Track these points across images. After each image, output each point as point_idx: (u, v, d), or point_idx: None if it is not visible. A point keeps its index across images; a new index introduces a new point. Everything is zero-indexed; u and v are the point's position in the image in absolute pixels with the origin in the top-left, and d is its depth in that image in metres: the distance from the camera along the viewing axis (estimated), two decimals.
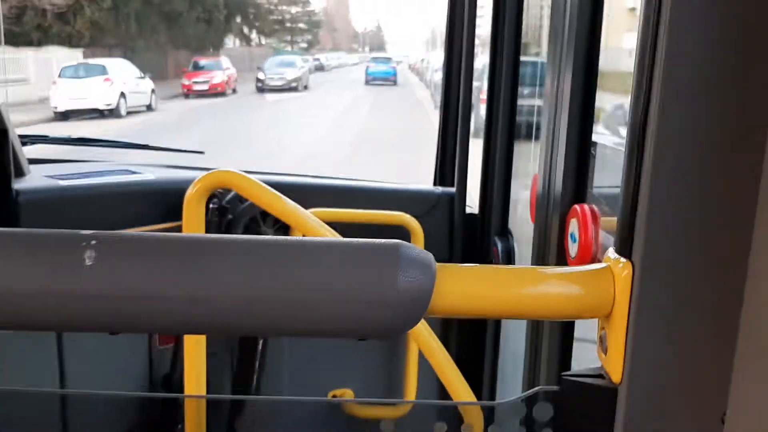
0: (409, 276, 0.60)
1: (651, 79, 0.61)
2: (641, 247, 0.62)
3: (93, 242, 0.59)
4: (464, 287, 0.65)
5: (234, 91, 28.34)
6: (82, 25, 27.73)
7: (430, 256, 0.63)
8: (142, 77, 21.41)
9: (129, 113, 19.78)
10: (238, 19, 47.34)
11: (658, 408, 0.66)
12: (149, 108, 21.33)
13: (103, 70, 20.07)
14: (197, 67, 28.26)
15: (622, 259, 0.64)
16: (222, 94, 26.93)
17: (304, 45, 70.92)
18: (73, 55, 24.27)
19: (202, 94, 26.11)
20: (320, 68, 47.86)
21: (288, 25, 66.01)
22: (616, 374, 0.66)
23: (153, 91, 21.79)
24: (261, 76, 30.70)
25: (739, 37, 0.60)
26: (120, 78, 19.99)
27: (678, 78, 0.60)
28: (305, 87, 31.92)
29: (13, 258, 0.59)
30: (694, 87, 0.61)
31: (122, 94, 19.75)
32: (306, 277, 0.59)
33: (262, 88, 29.87)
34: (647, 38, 0.61)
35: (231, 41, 48.37)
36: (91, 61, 22.47)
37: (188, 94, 26.28)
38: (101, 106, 19.20)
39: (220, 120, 19.29)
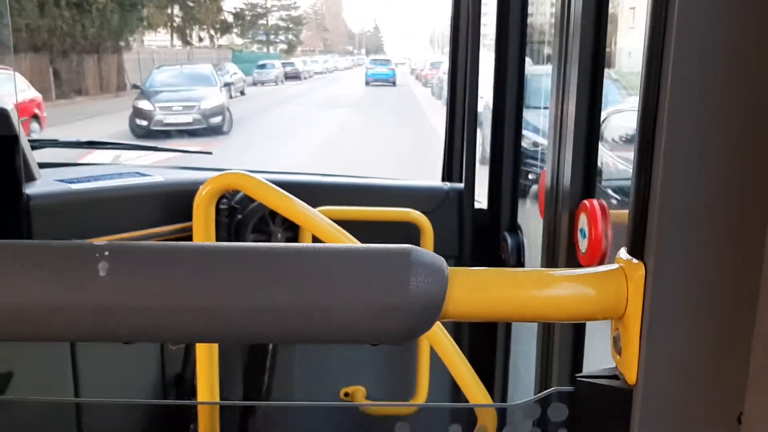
0: (421, 281, 0.60)
1: (660, 76, 0.61)
2: (653, 248, 0.62)
3: (106, 253, 0.59)
4: (476, 291, 0.65)
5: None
6: None
7: (441, 260, 0.63)
8: None
9: None
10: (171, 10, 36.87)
11: (673, 408, 0.66)
12: None
13: None
14: None
15: (635, 260, 0.64)
16: None
17: (285, 46, 60.58)
18: None
19: None
20: (293, 76, 39.31)
21: (250, 19, 53.60)
22: (630, 375, 0.66)
23: None
24: (140, 104, 15.86)
25: (750, 32, 0.59)
26: None
27: (688, 74, 0.60)
28: (219, 127, 15.92)
29: (26, 270, 0.59)
30: (705, 83, 0.60)
31: None
32: (317, 284, 0.59)
33: (144, 128, 15.29)
34: (656, 33, 0.61)
35: (169, 39, 39.36)
36: None
37: None
38: None
39: None
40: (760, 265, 0.62)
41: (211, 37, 44.93)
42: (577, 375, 0.70)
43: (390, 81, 36.98)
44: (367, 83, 37.23)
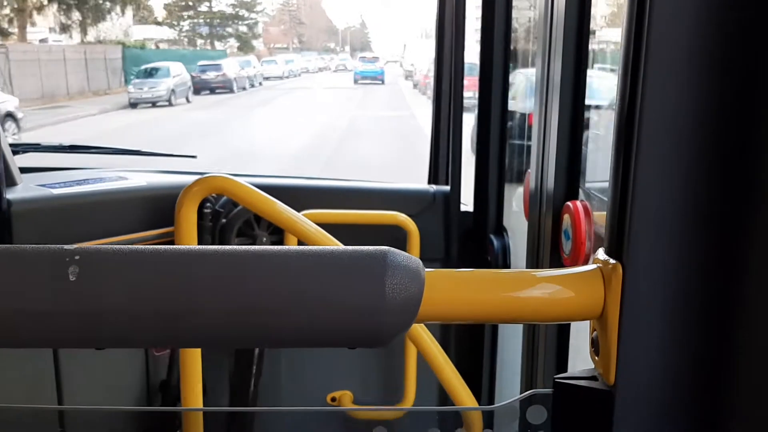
0: (398, 283, 0.59)
1: (636, 76, 0.61)
2: (630, 249, 0.62)
3: (76, 257, 0.58)
4: (454, 293, 0.65)
5: None
6: None
7: (418, 261, 0.62)
8: None
9: None
10: None
11: (652, 409, 0.65)
12: None
13: None
14: None
15: (612, 261, 0.64)
16: None
17: (238, 42, 45.52)
18: None
19: None
20: (219, 86, 27.33)
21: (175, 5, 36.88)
22: (609, 376, 0.65)
23: None
24: None
25: (727, 32, 0.59)
26: None
27: (664, 74, 0.60)
28: None
29: None
30: (681, 83, 0.60)
31: None
32: (291, 287, 0.59)
33: None
34: (633, 34, 0.61)
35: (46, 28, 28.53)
36: None
37: None
38: None
39: None
40: (738, 265, 0.62)
41: (64, 26, 29.81)
42: (555, 377, 0.70)
43: (378, 79, 35.72)
44: (355, 81, 35.42)
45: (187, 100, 24.78)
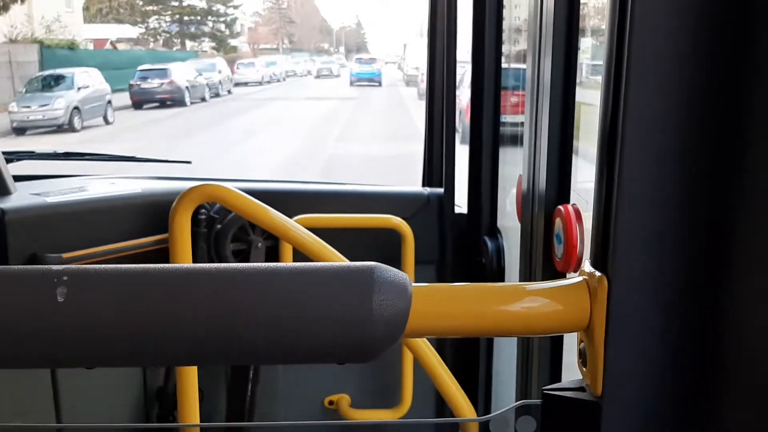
0: (384, 299, 0.60)
1: (618, 89, 0.61)
2: (615, 261, 0.62)
3: (65, 278, 0.59)
4: (441, 307, 0.65)
5: None
6: None
7: (405, 277, 0.63)
8: None
9: None
10: None
11: (640, 419, 0.66)
12: None
13: None
14: None
15: (597, 273, 0.64)
16: None
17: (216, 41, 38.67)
18: None
19: None
20: (143, 99, 21.21)
21: None
22: (596, 387, 0.66)
23: None
24: None
25: (710, 39, 0.59)
26: None
27: (647, 88, 0.60)
28: None
29: None
30: (664, 97, 0.60)
31: None
32: (279, 304, 0.59)
33: None
34: (613, 41, 0.61)
35: None
36: None
37: None
38: None
39: None
40: (722, 278, 0.62)
41: None
42: (544, 388, 0.70)
43: (375, 81, 33.92)
44: (351, 83, 33.62)
45: (106, 121, 18.40)
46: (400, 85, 32.77)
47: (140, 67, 22.65)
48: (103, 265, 0.60)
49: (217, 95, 25.57)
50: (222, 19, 40.20)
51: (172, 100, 22.01)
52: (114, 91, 19.52)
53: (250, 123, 18.95)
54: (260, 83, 33.54)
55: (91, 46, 31.13)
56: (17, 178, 2.27)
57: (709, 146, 0.61)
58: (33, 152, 2.68)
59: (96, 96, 18.25)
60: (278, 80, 36.53)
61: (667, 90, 0.60)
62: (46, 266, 0.60)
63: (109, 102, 18.90)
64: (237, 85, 30.94)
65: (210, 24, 39.49)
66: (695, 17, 0.59)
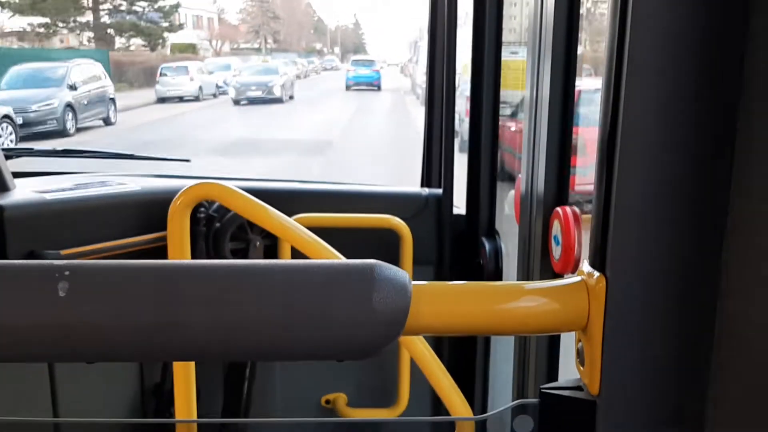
0: (384, 297, 0.60)
1: (618, 93, 0.62)
2: (614, 261, 0.63)
3: (66, 273, 0.59)
4: (440, 306, 0.66)
5: None
6: None
7: (405, 275, 0.63)
8: None
9: None
10: None
11: (637, 419, 0.66)
12: None
13: None
14: None
15: (596, 273, 0.65)
16: None
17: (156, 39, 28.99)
18: None
19: None
20: None
21: None
22: (593, 386, 0.66)
23: None
24: None
25: (710, 39, 0.60)
26: None
27: (647, 85, 0.61)
28: None
29: None
30: (663, 95, 0.61)
31: None
32: (278, 301, 0.59)
33: None
34: (614, 41, 0.62)
35: None
36: None
37: None
38: None
39: None
40: (719, 277, 0.63)
41: None
42: (542, 387, 0.71)
43: (374, 84, 30.16)
44: (347, 87, 29.57)
45: None
46: (409, 99, 23.08)
47: None
48: (105, 261, 0.61)
49: (69, 130, 14.87)
50: (155, 5, 29.70)
51: None
52: None
53: None
54: (196, 98, 23.26)
55: None
56: (16, 175, 2.27)
57: (708, 146, 0.61)
58: (32, 149, 2.68)
59: None
60: (225, 93, 25.18)
61: (667, 90, 0.60)
62: (47, 261, 0.61)
63: None
64: (161, 101, 22.36)
65: (140, 11, 29.34)
66: (695, 17, 0.59)
